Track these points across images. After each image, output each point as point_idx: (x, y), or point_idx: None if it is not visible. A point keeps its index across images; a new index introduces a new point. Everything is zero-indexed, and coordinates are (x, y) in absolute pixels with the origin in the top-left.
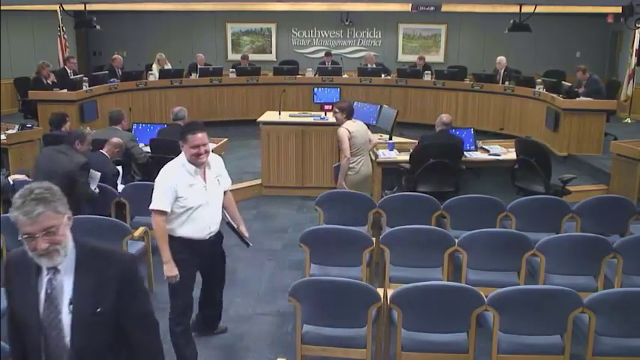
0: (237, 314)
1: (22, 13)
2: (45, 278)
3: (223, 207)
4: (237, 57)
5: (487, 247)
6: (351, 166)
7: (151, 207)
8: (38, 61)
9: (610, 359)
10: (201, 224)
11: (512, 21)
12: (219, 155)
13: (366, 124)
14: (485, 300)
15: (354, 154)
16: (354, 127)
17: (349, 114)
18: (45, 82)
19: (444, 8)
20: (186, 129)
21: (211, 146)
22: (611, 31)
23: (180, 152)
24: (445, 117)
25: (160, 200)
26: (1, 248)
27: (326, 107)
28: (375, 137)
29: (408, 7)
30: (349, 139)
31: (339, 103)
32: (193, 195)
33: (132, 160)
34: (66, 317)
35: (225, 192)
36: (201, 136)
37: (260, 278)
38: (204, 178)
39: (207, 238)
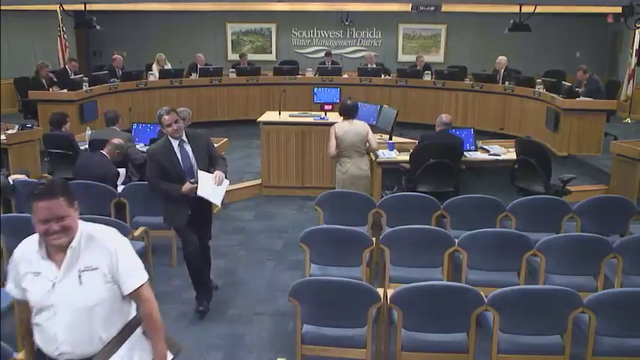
0: (237, 314)
1: (22, 13)
2: None
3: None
4: (237, 57)
5: (487, 247)
6: (339, 165)
7: None
8: (38, 61)
9: (610, 359)
10: (47, 337)
11: (512, 21)
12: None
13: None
14: (485, 300)
15: (341, 154)
16: (345, 127)
17: (344, 113)
18: (44, 82)
19: (444, 8)
20: (34, 193)
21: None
22: (611, 31)
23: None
24: (445, 117)
25: (7, 279)
26: (1, 248)
27: (326, 107)
28: (376, 141)
29: (408, 7)
30: (336, 138)
31: (340, 102)
32: (35, 289)
33: (129, 160)
34: None
35: (138, 300)
36: (52, 206)
37: (260, 278)
38: (59, 268)
39: None
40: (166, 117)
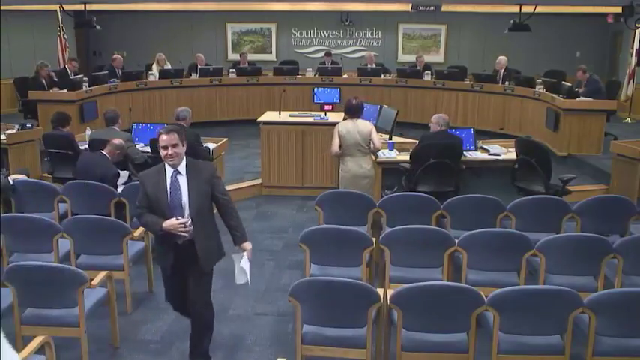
0: (237, 314)
1: (22, 13)
2: None
3: None
4: (237, 57)
5: (487, 247)
6: (342, 165)
7: None
8: (38, 61)
9: (610, 359)
10: None
11: (512, 21)
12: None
13: None
14: (485, 300)
15: (343, 153)
16: (348, 126)
17: (348, 112)
18: (44, 82)
19: (444, 8)
20: None
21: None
22: (611, 31)
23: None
24: (444, 116)
25: None
26: (1, 248)
27: (326, 107)
28: (379, 141)
29: (408, 7)
30: (339, 137)
31: (346, 101)
32: None
33: (128, 160)
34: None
35: None
36: None
37: (260, 278)
38: None
39: None
40: (164, 137)
